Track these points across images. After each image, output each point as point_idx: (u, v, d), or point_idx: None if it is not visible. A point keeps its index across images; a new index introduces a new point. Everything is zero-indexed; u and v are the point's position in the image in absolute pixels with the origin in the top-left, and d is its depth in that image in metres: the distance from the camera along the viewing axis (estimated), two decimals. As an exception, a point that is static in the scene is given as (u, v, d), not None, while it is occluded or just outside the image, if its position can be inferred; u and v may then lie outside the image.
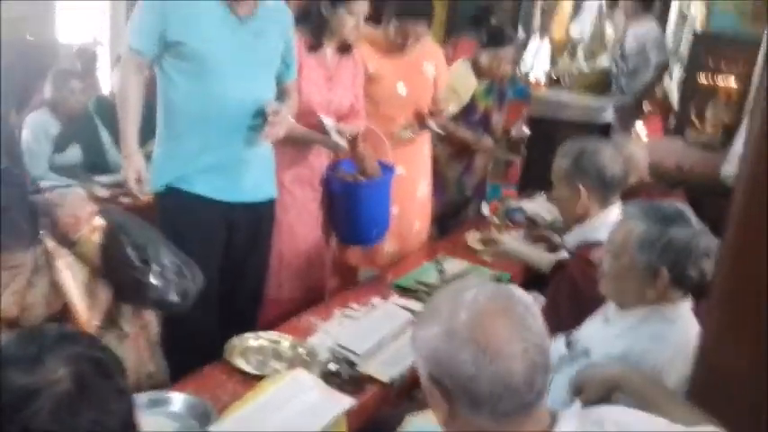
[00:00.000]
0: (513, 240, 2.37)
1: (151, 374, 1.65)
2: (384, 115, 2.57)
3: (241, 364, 1.70)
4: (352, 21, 2.22)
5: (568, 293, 1.80)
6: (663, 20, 5.19)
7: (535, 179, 3.46)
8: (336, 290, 2.53)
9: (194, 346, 1.96)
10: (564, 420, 0.96)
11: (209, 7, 1.91)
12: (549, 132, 3.78)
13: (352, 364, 1.73)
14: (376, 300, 2.14)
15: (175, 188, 2.01)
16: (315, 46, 2.26)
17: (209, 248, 2.06)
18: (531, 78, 6.83)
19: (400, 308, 2.06)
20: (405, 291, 2.23)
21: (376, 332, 1.86)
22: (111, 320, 1.63)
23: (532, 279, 2.31)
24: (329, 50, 2.33)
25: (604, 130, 3.77)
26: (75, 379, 0.85)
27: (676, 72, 7.06)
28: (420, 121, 2.65)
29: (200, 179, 2.00)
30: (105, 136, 3.31)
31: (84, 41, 4.98)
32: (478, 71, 3.05)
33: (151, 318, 1.68)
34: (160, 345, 1.72)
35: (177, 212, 2.02)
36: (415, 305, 2.09)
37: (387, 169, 2.46)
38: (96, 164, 3.25)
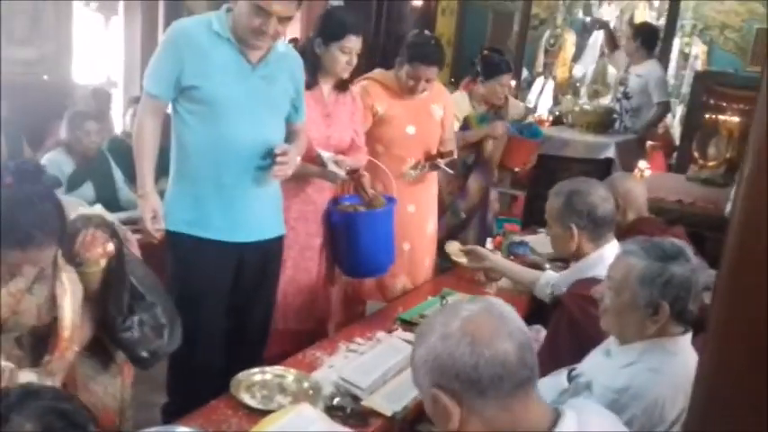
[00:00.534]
0: (499, 258, 2.53)
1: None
2: (395, 156, 2.65)
3: (246, 398, 1.71)
4: (344, 58, 2.30)
5: (567, 329, 1.82)
6: (664, 59, 5.29)
7: (539, 214, 3.49)
8: (343, 324, 2.56)
9: (201, 381, 1.99)
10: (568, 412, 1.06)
11: (223, 54, 1.97)
12: (552, 169, 3.83)
13: (356, 398, 1.74)
14: (380, 334, 2.16)
15: (187, 233, 2.05)
16: (310, 83, 2.33)
17: (217, 287, 2.10)
18: (536, 116, 6.93)
19: (404, 342, 2.08)
20: (409, 324, 2.25)
21: (380, 366, 1.87)
22: (100, 346, 1.64)
23: (536, 312, 2.33)
24: (326, 88, 2.40)
25: (606, 167, 3.81)
26: None
27: (678, 110, 7.15)
28: (429, 160, 2.72)
29: (211, 222, 2.04)
30: (118, 174, 3.37)
31: (98, 82, 5.11)
32: (475, 99, 3.18)
33: None
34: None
35: (187, 252, 2.06)
36: (419, 340, 2.11)
37: (388, 201, 2.50)
38: (108, 202, 3.28)
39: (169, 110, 2.07)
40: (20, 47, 4.21)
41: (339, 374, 1.82)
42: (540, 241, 2.96)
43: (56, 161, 3.20)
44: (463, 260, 2.63)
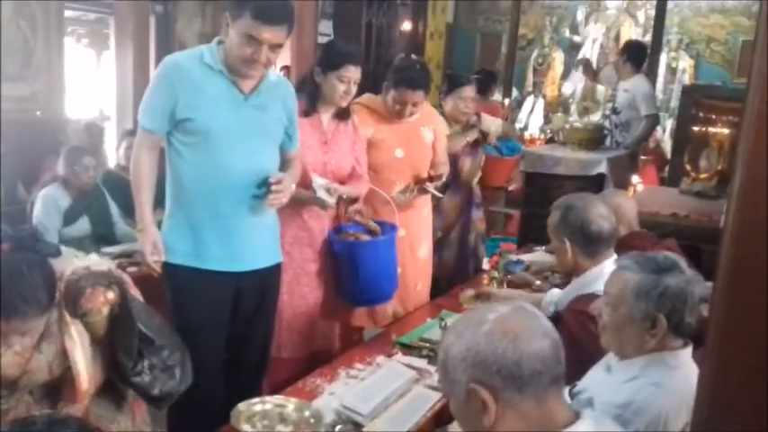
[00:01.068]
0: (501, 290, 2.53)
1: None
2: (384, 179, 2.65)
3: (247, 429, 1.69)
4: (343, 87, 2.33)
5: (567, 345, 1.81)
6: (652, 74, 5.36)
7: (533, 232, 3.51)
8: (341, 350, 2.54)
9: (201, 412, 1.97)
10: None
11: (215, 85, 1.99)
12: (545, 187, 3.86)
13: (357, 425, 1.73)
14: (380, 358, 2.15)
15: (184, 264, 2.05)
16: (309, 111, 2.36)
17: (216, 316, 2.09)
18: (527, 135, 6.99)
19: (404, 365, 2.07)
20: (408, 348, 2.24)
21: (381, 391, 1.86)
22: (111, 386, 1.64)
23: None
24: (326, 116, 2.43)
25: (599, 182, 3.83)
26: None
27: (668, 124, 7.22)
28: (418, 183, 2.72)
29: (209, 253, 2.04)
30: (114, 208, 3.39)
31: (91, 116, 5.14)
32: (447, 118, 3.18)
33: None
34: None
35: (185, 284, 2.05)
36: (418, 362, 2.10)
37: (389, 228, 2.50)
38: (104, 236, 3.31)
39: (163, 143, 2.08)
40: (12, 83, 4.24)
41: (340, 401, 1.81)
42: (536, 260, 2.97)
43: (52, 196, 3.21)
44: (474, 305, 2.60)
